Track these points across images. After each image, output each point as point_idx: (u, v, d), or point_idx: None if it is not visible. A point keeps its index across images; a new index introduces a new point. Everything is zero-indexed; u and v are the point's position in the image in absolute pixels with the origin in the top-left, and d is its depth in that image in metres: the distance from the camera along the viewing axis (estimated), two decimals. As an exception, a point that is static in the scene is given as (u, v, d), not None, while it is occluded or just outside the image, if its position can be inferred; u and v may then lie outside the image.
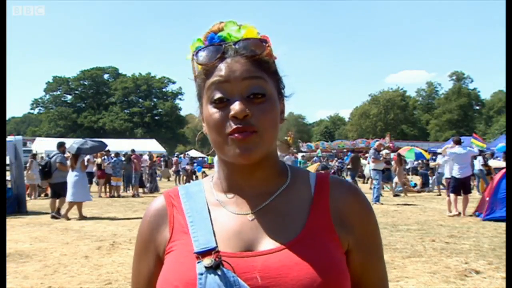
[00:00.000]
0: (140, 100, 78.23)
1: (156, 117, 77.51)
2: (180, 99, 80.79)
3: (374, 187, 14.71)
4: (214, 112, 0.96)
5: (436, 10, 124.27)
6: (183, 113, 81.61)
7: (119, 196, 17.76)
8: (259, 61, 0.98)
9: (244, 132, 0.93)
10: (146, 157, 22.37)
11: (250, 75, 0.95)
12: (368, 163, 18.15)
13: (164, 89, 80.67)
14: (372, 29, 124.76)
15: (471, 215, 11.17)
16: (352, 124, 74.13)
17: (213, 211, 1.02)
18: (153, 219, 1.05)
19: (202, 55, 0.99)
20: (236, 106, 0.92)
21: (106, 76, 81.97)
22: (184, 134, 78.33)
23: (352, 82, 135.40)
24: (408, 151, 26.97)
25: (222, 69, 0.96)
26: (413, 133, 69.04)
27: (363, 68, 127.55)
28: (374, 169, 14.97)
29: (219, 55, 0.97)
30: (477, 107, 71.57)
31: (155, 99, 79.09)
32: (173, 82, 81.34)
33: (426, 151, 28.96)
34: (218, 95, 0.95)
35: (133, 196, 18.15)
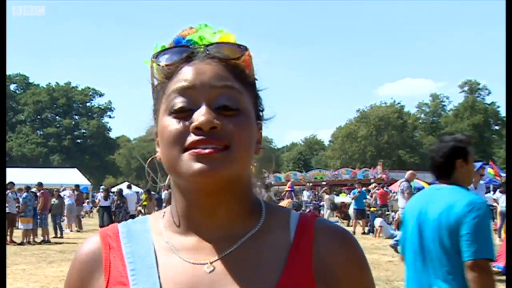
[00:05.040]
0: (57, 118, 79.75)
1: (78, 140, 79.12)
2: (110, 117, 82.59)
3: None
4: (171, 123, 0.97)
5: (445, 6, 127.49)
6: (113, 134, 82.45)
7: (30, 243, 18.15)
8: (234, 68, 1.01)
9: (208, 146, 0.94)
10: (68, 192, 23.38)
11: (221, 82, 0.98)
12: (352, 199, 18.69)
13: (88, 104, 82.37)
14: (360, 28, 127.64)
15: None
16: (333, 149, 75.33)
17: (161, 257, 1.03)
18: (84, 265, 1.07)
19: (165, 57, 1.03)
20: (201, 115, 0.94)
21: (12, 87, 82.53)
22: (114, 162, 79.13)
23: (334, 95, 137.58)
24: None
25: (188, 72, 0.99)
26: (413, 161, 69.89)
27: (348, 76, 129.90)
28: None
29: (186, 55, 1.01)
30: (496, 127, 72.76)
31: (76, 117, 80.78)
32: (101, 95, 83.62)
33: (429, 184, 28.78)
34: (179, 104, 0.98)
35: (43, 241, 18.63)
